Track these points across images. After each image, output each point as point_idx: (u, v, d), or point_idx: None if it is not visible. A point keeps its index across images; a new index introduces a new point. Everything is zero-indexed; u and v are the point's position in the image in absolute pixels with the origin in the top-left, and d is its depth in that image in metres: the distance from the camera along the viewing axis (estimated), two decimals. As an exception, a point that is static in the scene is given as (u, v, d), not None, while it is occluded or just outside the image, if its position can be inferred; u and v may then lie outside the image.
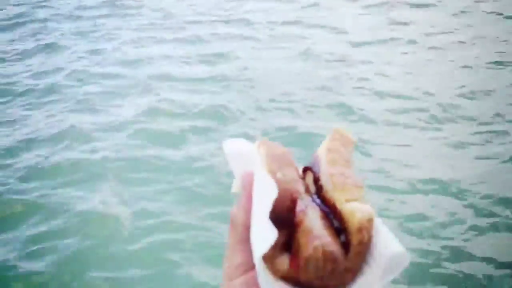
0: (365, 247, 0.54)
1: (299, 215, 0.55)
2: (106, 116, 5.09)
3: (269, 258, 0.54)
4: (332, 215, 0.55)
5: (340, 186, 0.56)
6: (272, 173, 0.56)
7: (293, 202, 0.55)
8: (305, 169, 0.62)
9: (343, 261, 0.52)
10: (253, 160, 0.61)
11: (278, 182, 0.55)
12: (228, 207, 0.72)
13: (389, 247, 0.53)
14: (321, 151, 0.61)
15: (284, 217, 0.54)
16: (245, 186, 0.62)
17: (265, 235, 0.52)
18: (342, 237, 0.54)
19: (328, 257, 0.51)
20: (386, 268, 0.53)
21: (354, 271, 0.54)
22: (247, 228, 0.58)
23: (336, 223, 0.54)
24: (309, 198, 0.57)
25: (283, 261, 0.54)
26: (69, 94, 5.52)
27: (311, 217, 0.54)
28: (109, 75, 5.88)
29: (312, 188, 0.59)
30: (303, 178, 0.61)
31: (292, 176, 0.57)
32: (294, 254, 0.53)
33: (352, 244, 0.53)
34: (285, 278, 0.54)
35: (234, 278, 0.59)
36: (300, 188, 0.58)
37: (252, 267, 0.57)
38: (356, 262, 0.54)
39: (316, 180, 0.59)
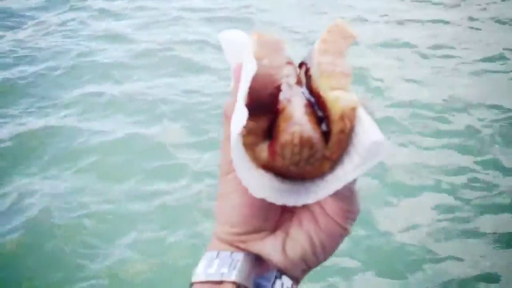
0: (346, 136, 0.52)
1: (282, 102, 0.54)
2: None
3: (250, 145, 0.54)
4: (317, 105, 0.54)
5: (327, 73, 0.54)
6: (259, 59, 0.54)
7: (277, 88, 0.54)
8: (301, 64, 0.61)
9: (322, 149, 0.52)
10: (245, 50, 0.60)
11: (263, 67, 0.54)
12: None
13: (369, 136, 0.51)
14: (317, 44, 0.59)
15: (267, 102, 0.53)
16: (236, 78, 0.61)
17: (239, 117, 0.51)
18: (324, 126, 0.53)
19: (305, 142, 0.51)
20: (365, 157, 0.51)
21: (333, 160, 0.53)
22: None
23: (319, 113, 0.53)
24: (298, 88, 0.56)
25: (263, 148, 0.54)
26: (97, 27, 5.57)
27: (294, 104, 0.53)
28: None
29: (303, 80, 0.58)
30: (298, 70, 0.60)
31: (280, 63, 0.56)
32: (273, 140, 0.53)
33: (332, 132, 0.52)
34: (265, 166, 0.54)
35: (228, 173, 0.60)
36: (288, 75, 0.57)
37: None
38: (335, 151, 0.53)
39: (307, 71, 0.58)
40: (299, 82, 0.57)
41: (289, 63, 0.61)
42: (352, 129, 0.52)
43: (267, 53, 0.56)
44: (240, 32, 0.64)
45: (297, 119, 0.51)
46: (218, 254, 0.61)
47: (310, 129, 0.50)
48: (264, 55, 0.55)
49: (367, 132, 0.51)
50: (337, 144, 0.52)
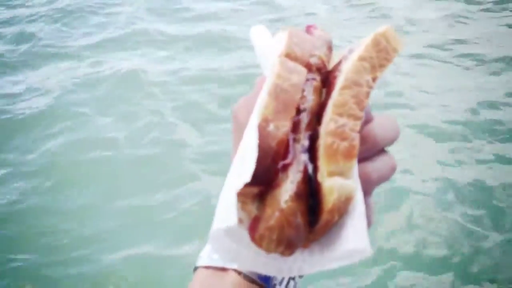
0: (333, 224, 0.52)
1: (279, 176, 0.52)
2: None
3: (241, 199, 0.53)
4: (313, 184, 0.52)
5: (330, 153, 0.52)
6: (265, 121, 0.52)
7: (275, 163, 0.52)
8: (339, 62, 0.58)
9: (304, 236, 0.51)
10: (270, 58, 0.58)
11: (266, 137, 0.51)
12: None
13: (353, 240, 0.50)
14: (353, 58, 0.56)
15: (262, 175, 0.51)
16: (256, 89, 0.60)
17: (238, 181, 0.50)
18: (312, 201, 0.51)
19: (283, 241, 0.49)
20: (344, 256, 0.51)
21: (314, 240, 0.53)
22: (246, 126, 0.57)
23: (311, 201, 0.52)
24: (301, 156, 0.53)
25: (252, 209, 0.53)
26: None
27: (289, 183, 0.51)
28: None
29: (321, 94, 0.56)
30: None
31: (285, 127, 0.53)
32: (256, 220, 0.52)
33: (320, 220, 0.51)
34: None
35: None
36: (298, 130, 0.54)
37: None
38: (319, 235, 0.52)
39: (326, 103, 0.55)
40: (310, 123, 0.55)
41: (319, 69, 0.58)
42: (340, 218, 0.52)
43: (289, 73, 0.55)
44: (267, 32, 0.63)
45: (282, 208, 0.49)
46: None
47: (291, 225, 0.49)
48: (284, 78, 0.54)
49: (353, 233, 0.51)
50: (322, 230, 0.52)
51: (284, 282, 0.61)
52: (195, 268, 0.63)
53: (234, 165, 0.53)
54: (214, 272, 0.61)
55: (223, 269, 0.60)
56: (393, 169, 0.59)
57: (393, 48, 0.57)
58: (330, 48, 0.63)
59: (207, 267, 0.61)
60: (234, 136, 0.63)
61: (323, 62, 0.60)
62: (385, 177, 0.58)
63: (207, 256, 0.62)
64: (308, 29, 0.65)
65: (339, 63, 0.59)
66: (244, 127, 0.58)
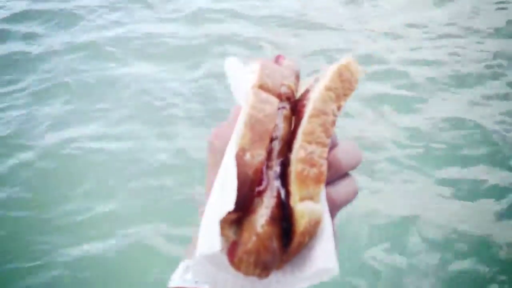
0: (304, 246, 0.56)
1: (255, 202, 0.56)
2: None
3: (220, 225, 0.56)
4: (285, 208, 0.56)
5: (300, 179, 0.56)
6: (242, 151, 0.56)
7: (251, 190, 0.56)
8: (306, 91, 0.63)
9: (278, 258, 0.55)
10: (244, 89, 0.62)
11: (243, 166, 0.55)
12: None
13: (322, 260, 0.55)
14: (319, 87, 0.61)
15: (239, 202, 0.55)
16: (231, 118, 0.64)
17: (220, 210, 0.53)
18: (285, 225, 0.56)
19: (259, 264, 0.53)
20: (314, 275, 0.55)
21: (287, 261, 0.57)
22: (223, 155, 0.60)
23: (284, 224, 0.56)
24: (273, 182, 0.58)
25: (230, 234, 0.57)
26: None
27: (264, 208, 0.55)
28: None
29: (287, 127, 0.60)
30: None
31: (260, 156, 0.57)
32: (235, 244, 0.55)
33: (293, 242, 0.55)
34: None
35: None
36: (270, 161, 0.58)
37: None
38: (292, 256, 0.57)
39: (296, 131, 0.59)
40: (281, 150, 0.59)
41: (288, 98, 0.63)
42: (310, 239, 0.56)
43: (262, 104, 0.59)
44: (240, 63, 0.66)
45: (258, 233, 0.53)
46: None
47: (267, 250, 0.53)
48: (259, 109, 0.58)
49: (322, 254, 0.55)
50: (294, 251, 0.56)
51: None
52: None
53: (214, 192, 0.57)
54: None
55: None
56: (355, 193, 0.64)
57: (355, 79, 0.62)
58: (297, 77, 0.68)
59: None
60: (209, 164, 0.66)
61: (292, 91, 0.64)
62: (348, 200, 0.63)
63: (180, 277, 0.65)
64: (277, 59, 0.69)
65: (307, 92, 0.63)
66: (219, 156, 0.62)
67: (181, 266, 0.67)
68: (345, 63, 0.62)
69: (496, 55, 5.08)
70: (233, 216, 0.56)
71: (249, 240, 0.53)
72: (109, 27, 5.50)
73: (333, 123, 0.59)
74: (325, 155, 0.58)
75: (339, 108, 0.60)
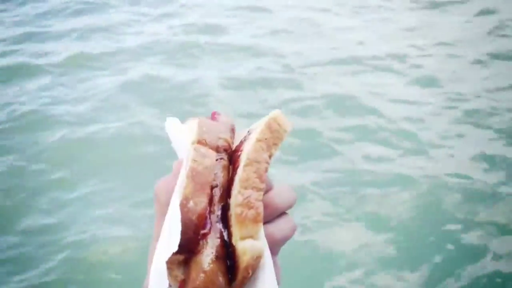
0: (248, 279, 0.62)
1: (200, 244, 0.62)
2: None
3: (167, 266, 0.61)
4: (229, 247, 0.63)
5: (240, 221, 0.63)
6: (186, 199, 0.63)
7: (196, 234, 0.62)
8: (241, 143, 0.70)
9: None
10: (184, 145, 0.69)
11: (187, 213, 0.62)
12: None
13: None
14: (252, 139, 0.68)
15: (185, 245, 0.61)
16: (174, 171, 0.69)
17: (166, 251, 0.59)
18: (230, 262, 0.62)
19: None
20: None
21: None
22: (168, 206, 0.65)
23: (228, 261, 0.62)
24: (216, 225, 0.64)
25: (178, 274, 0.62)
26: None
27: (209, 248, 0.62)
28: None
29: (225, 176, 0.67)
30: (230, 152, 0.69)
31: (202, 202, 0.63)
32: (183, 282, 0.61)
33: (237, 277, 0.62)
34: None
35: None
36: (210, 207, 0.64)
37: None
38: None
39: (233, 179, 0.66)
40: (221, 196, 0.66)
41: (225, 149, 0.70)
42: (253, 273, 0.62)
43: (202, 157, 0.66)
44: (178, 122, 0.74)
45: (205, 269, 0.60)
46: None
47: (214, 284, 0.59)
48: (198, 162, 0.65)
49: (263, 285, 0.62)
50: (239, 285, 0.62)
51: None
52: None
53: (162, 238, 0.63)
54: None
55: None
56: (293, 229, 0.70)
57: (284, 130, 0.70)
58: (233, 131, 0.76)
59: None
60: (157, 213, 0.72)
61: (228, 144, 0.72)
62: (287, 236, 0.70)
63: None
64: (213, 116, 0.78)
65: (241, 143, 0.71)
66: (165, 205, 0.68)
67: None
68: (273, 116, 0.70)
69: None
70: (181, 258, 0.62)
71: (197, 277, 0.59)
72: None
73: (266, 169, 0.67)
74: (261, 197, 0.65)
75: (270, 156, 0.68)
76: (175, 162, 0.71)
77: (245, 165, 0.66)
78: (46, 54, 6.01)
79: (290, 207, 0.71)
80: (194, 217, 0.62)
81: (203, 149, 0.69)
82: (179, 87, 5.51)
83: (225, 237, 0.64)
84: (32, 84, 5.37)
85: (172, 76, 5.67)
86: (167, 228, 0.63)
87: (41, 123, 4.78)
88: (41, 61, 5.86)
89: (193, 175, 0.65)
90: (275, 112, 0.71)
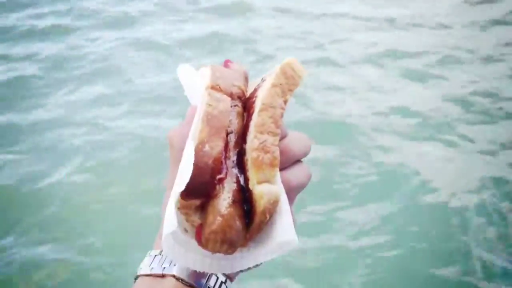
0: (265, 224, 0.62)
1: (217, 188, 0.62)
2: None
3: (184, 212, 0.62)
4: (245, 192, 0.63)
5: (256, 165, 0.63)
6: (201, 143, 0.62)
7: (212, 178, 0.62)
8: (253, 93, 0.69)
9: (243, 236, 0.61)
10: (198, 91, 0.68)
11: (202, 156, 0.61)
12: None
13: (283, 234, 0.61)
14: (266, 85, 0.67)
15: (201, 189, 0.61)
16: (188, 118, 0.69)
17: (175, 192, 0.59)
18: (247, 206, 0.62)
19: (225, 240, 0.59)
20: (276, 249, 0.62)
21: (250, 239, 0.63)
22: (182, 151, 0.65)
23: (245, 206, 0.62)
24: (232, 170, 0.64)
25: (195, 219, 0.63)
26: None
27: (225, 193, 0.62)
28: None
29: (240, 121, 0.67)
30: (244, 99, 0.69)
31: (218, 146, 0.63)
32: (201, 226, 0.61)
33: (254, 221, 0.62)
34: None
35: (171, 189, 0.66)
36: (228, 149, 0.64)
37: None
38: (254, 234, 0.63)
39: (248, 125, 0.66)
40: (237, 141, 0.66)
41: (239, 97, 0.70)
42: (270, 218, 0.62)
43: (216, 102, 0.66)
44: (192, 69, 0.73)
45: (223, 214, 0.59)
46: (161, 252, 0.70)
47: (231, 228, 0.59)
48: (213, 107, 0.65)
49: (282, 229, 0.61)
50: (256, 229, 0.62)
51: (217, 285, 0.69)
52: (136, 277, 0.71)
53: (176, 182, 0.62)
54: (154, 278, 0.69)
55: (162, 276, 0.68)
56: (308, 177, 0.70)
57: (299, 76, 0.69)
58: (246, 79, 0.75)
59: (147, 275, 0.70)
60: (171, 160, 0.72)
61: (242, 91, 0.72)
62: (303, 184, 0.70)
63: (147, 266, 0.71)
64: (226, 64, 0.77)
65: (255, 90, 0.70)
66: (179, 151, 0.68)
67: (148, 256, 0.72)
68: (287, 62, 0.69)
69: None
70: (197, 203, 0.62)
71: (215, 221, 0.59)
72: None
73: (281, 115, 0.67)
74: (277, 142, 0.65)
75: (285, 102, 0.68)
76: (189, 108, 0.71)
77: (260, 110, 0.66)
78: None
79: (305, 154, 0.71)
80: (210, 161, 0.62)
81: (218, 94, 0.68)
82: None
83: (242, 182, 0.64)
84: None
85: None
86: (181, 172, 0.62)
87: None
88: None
89: (208, 119, 0.64)
90: (290, 59, 0.70)
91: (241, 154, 0.66)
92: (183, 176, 0.59)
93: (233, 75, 0.73)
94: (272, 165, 0.63)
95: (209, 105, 0.66)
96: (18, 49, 5.30)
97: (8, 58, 5.11)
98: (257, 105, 0.67)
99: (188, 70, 0.73)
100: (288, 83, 0.68)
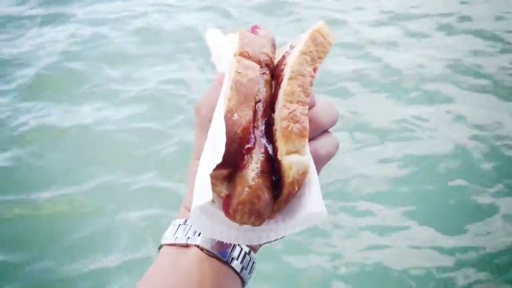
0: (293, 195, 0.61)
1: (245, 158, 0.60)
2: None
3: (211, 182, 0.59)
4: (273, 163, 0.61)
5: (286, 135, 0.61)
6: (230, 112, 0.60)
7: (241, 147, 0.60)
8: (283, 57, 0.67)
9: (270, 207, 0.59)
10: (226, 58, 0.66)
11: (231, 125, 0.59)
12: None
13: (311, 205, 0.60)
14: (295, 52, 0.65)
15: (230, 159, 0.59)
16: (216, 85, 0.67)
17: (210, 164, 0.57)
18: (276, 186, 0.60)
19: (253, 212, 0.58)
20: (304, 221, 0.61)
21: (278, 211, 0.62)
22: (209, 120, 0.64)
23: (273, 177, 0.60)
24: (261, 130, 0.62)
25: (222, 190, 0.62)
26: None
27: (253, 163, 0.60)
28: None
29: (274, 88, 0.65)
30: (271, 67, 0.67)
31: (248, 115, 0.61)
32: (228, 198, 0.60)
33: (283, 192, 0.60)
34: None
35: (198, 158, 0.66)
36: (256, 120, 0.63)
37: None
38: (282, 206, 0.62)
39: (276, 93, 0.64)
40: (265, 110, 0.64)
41: (267, 64, 0.68)
42: (299, 189, 0.60)
43: (245, 69, 0.63)
44: (220, 34, 0.70)
45: (251, 185, 0.58)
46: (185, 221, 0.70)
47: (259, 199, 0.57)
48: (242, 74, 0.63)
49: (310, 200, 0.60)
50: (284, 201, 0.61)
51: (241, 256, 0.69)
52: (160, 246, 0.70)
53: (206, 151, 0.61)
54: (178, 248, 0.68)
55: (187, 246, 0.68)
56: (336, 146, 0.69)
57: (328, 42, 0.67)
58: (274, 46, 0.73)
59: (171, 245, 0.69)
60: (196, 128, 0.70)
61: (270, 58, 0.69)
62: (331, 153, 0.68)
63: (171, 235, 0.70)
64: (254, 30, 0.74)
65: (283, 58, 0.68)
66: (206, 119, 0.67)
67: (172, 225, 0.71)
68: (317, 28, 0.67)
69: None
70: (225, 173, 0.61)
71: (243, 192, 0.58)
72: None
73: (311, 83, 0.64)
74: (306, 112, 0.62)
75: (315, 69, 0.65)
76: (216, 76, 0.69)
77: (290, 78, 0.64)
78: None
79: (334, 123, 0.69)
80: (239, 130, 0.60)
81: (247, 61, 0.66)
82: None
83: (270, 152, 0.62)
84: None
85: None
86: (211, 142, 0.61)
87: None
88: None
89: (237, 86, 0.62)
90: (320, 24, 0.67)
91: (269, 123, 0.64)
92: (218, 146, 0.57)
93: (261, 41, 0.70)
94: (301, 135, 0.61)
95: (238, 72, 0.63)
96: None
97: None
98: (286, 73, 0.64)
99: (216, 35, 0.71)
100: (318, 51, 0.66)
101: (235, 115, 0.60)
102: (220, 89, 0.65)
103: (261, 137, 0.62)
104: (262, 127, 0.63)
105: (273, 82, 0.67)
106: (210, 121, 0.63)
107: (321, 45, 0.66)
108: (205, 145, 0.61)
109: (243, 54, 0.66)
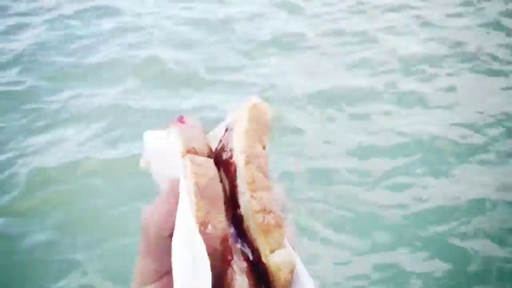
0: None
1: (228, 273, 0.53)
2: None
3: None
4: (259, 269, 0.55)
5: (264, 230, 0.54)
6: (203, 224, 0.53)
7: (224, 259, 0.54)
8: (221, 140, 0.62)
9: None
10: (175, 163, 0.58)
11: (208, 237, 0.52)
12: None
13: None
14: (237, 134, 0.59)
15: (220, 271, 0.53)
16: (166, 194, 0.58)
17: None
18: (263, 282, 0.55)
19: None
20: None
21: None
22: (160, 238, 0.56)
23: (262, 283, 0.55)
24: (237, 245, 0.56)
25: None
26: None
27: (239, 277, 0.53)
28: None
29: (226, 183, 0.58)
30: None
31: (221, 222, 0.54)
32: None
33: None
34: None
35: (146, 284, 0.58)
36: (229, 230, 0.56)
37: (164, 274, 0.57)
38: None
39: (233, 185, 0.57)
40: (227, 210, 0.57)
41: (209, 156, 0.60)
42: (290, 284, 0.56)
43: (202, 168, 0.56)
44: (163, 134, 0.63)
45: None
46: None
47: None
48: (200, 174, 0.55)
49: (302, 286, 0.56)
50: None
51: None
52: None
53: (179, 275, 0.51)
54: None
55: None
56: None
57: (268, 117, 0.62)
58: (205, 132, 0.66)
59: None
60: (143, 249, 0.59)
61: (210, 148, 0.63)
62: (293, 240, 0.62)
63: None
64: (182, 120, 0.66)
65: (223, 144, 0.62)
66: (156, 239, 0.57)
67: None
68: (253, 105, 0.62)
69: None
70: None
71: None
72: None
73: (266, 164, 0.59)
74: (272, 197, 0.57)
75: (264, 148, 0.60)
76: (168, 183, 0.59)
77: (246, 164, 0.57)
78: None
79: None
80: (218, 244, 0.53)
81: (199, 158, 0.58)
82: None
83: (250, 257, 0.56)
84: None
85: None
86: (179, 268, 0.52)
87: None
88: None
89: (201, 191, 0.54)
90: (253, 100, 0.62)
91: (236, 221, 0.57)
92: (200, 274, 0.50)
93: (197, 132, 0.64)
94: (278, 224, 0.55)
95: (196, 173, 0.56)
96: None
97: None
98: (239, 159, 0.58)
99: (155, 137, 0.63)
100: (261, 128, 0.61)
101: (209, 226, 0.53)
102: (173, 199, 0.56)
103: (234, 241, 0.56)
104: (232, 229, 0.57)
105: (221, 173, 0.60)
106: (161, 239, 0.55)
107: (262, 121, 0.61)
108: (174, 267, 0.52)
109: (190, 151, 0.59)
